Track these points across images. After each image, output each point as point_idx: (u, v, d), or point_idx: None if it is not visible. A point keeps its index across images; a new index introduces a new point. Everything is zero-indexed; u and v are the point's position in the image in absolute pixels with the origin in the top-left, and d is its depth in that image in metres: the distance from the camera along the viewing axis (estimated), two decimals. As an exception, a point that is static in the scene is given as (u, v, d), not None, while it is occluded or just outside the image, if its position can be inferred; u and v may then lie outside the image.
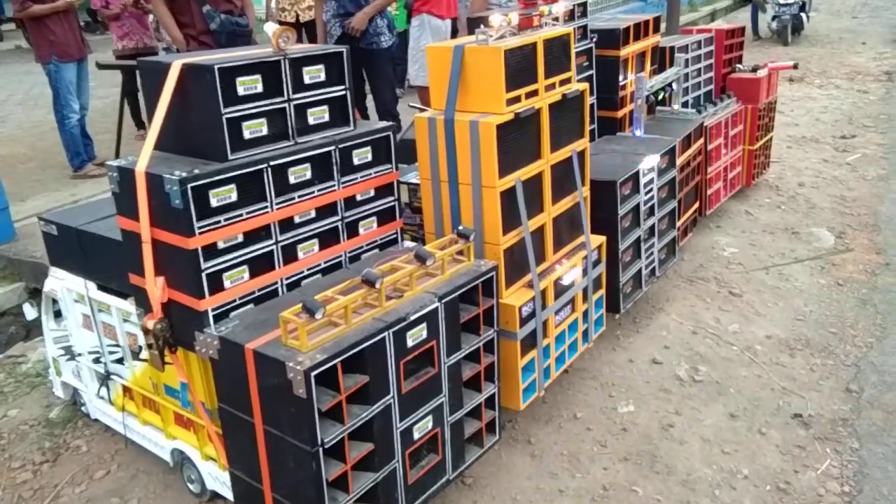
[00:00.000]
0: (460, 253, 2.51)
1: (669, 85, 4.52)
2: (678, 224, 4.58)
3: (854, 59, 11.27)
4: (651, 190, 3.76)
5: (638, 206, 3.66)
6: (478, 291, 2.48)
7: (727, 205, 5.53)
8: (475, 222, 2.72)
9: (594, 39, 4.04)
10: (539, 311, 2.89)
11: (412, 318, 2.19)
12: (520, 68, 2.69)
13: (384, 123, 2.66)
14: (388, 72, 5.95)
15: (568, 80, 3.01)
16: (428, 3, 6.35)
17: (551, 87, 2.90)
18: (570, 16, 3.83)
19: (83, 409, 3.32)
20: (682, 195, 4.55)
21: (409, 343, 2.21)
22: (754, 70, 5.59)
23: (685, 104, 4.95)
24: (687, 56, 4.92)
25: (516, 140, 2.73)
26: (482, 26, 2.60)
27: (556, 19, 2.98)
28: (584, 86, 3.09)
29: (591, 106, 4.12)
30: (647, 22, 4.47)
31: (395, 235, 2.78)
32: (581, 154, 3.17)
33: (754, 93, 5.47)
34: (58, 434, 3.28)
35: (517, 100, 2.71)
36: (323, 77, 2.43)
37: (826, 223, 5.27)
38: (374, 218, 2.67)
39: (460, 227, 2.50)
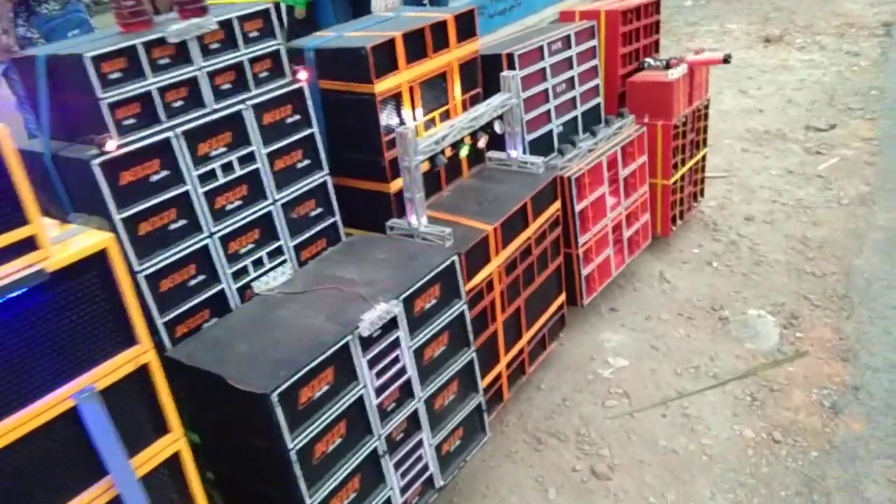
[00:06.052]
0: None
1: (489, 126, 2.75)
2: (518, 347, 2.88)
3: (849, 5, 9.26)
4: (396, 360, 2.04)
5: (360, 400, 1.96)
6: None
7: (637, 263, 3.81)
8: None
9: (297, 73, 2.25)
10: None
11: None
12: None
13: None
14: None
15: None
16: None
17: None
18: (224, 41, 2.05)
19: None
20: (523, 300, 2.84)
21: None
22: (667, 67, 3.78)
23: (541, 142, 3.17)
24: (544, 64, 3.12)
25: None
26: None
27: None
28: (66, 258, 1.37)
29: (322, 185, 2.36)
30: (441, 24, 2.62)
31: None
32: (113, 391, 1.46)
33: (665, 103, 3.67)
34: None
35: None
36: None
37: (772, 296, 3.53)
38: None
39: None
